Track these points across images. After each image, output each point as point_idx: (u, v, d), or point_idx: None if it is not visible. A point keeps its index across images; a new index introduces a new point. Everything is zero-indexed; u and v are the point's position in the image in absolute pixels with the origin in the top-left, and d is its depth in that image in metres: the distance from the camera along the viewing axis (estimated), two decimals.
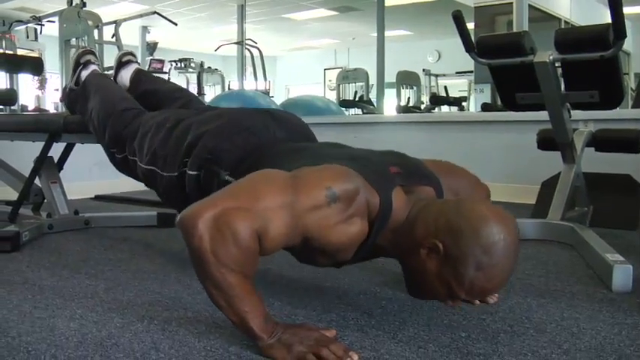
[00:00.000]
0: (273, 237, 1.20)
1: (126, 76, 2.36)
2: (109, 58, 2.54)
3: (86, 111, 2.20)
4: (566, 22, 7.33)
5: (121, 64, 2.41)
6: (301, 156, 1.45)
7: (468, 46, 2.50)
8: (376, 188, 1.29)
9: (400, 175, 1.38)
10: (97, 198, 4.13)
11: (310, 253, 1.35)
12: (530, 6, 5.72)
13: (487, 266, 1.20)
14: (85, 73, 2.36)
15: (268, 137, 1.65)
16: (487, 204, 1.29)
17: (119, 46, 6.36)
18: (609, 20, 2.12)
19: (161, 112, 1.95)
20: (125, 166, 1.99)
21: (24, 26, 6.97)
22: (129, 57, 2.43)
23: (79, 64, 2.40)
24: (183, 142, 1.70)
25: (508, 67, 2.46)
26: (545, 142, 2.78)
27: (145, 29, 8.85)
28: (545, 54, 2.33)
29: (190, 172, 1.65)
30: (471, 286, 1.22)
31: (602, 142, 2.74)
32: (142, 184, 1.92)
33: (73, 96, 2.36)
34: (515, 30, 4.69)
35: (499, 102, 3.04)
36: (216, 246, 1.16)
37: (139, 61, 2.54)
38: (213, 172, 1.59)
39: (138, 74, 2.37)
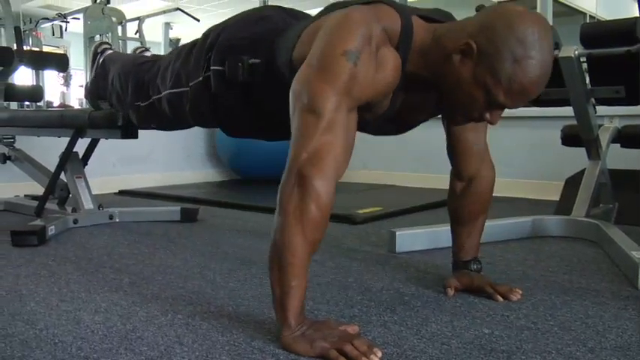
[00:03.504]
0: (348, 149, 1.27)
1: None
2: None
3: (108, 85, 2.20)
4: (591, 16, 7.23)
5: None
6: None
7: None
8: (394, 8, 1.32)
9: (421, 10, 1.41)
10: (121, 193, 4.17)
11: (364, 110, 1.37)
12: (554, 0, 5.66)
13: (524, 58, 1.20)
14: (101, 58, 2.39)
15: (284, 24, 1.65)
16: (517, 5, 1.30)
17: (142, 42, 6.42)
18: (636, 14, 2.09)
19: (177, 46, 1.95)
20: (151, 112, 1.97)
21: (50, 23, 7.07)
22: (142, 48, 2.48)
23: (96, 54, 2.43)
24: (204, 46, 1.70)
25: None
26: (570, 139, 2.75)
27: (167, 25, 8.89)
28: (571, 49, 2.30)
29: (214, 68, 1.64)
30: (509, 83, 1.22)
31: (628, 138, 2.70)
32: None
33: (94, 82, 2.38)
34: None
35: None
36: (301, 205, 1.20)
37: None
38: (237, 60, 1.59)
39: (154, 55, 2.40)
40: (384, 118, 1.45)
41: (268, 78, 1.55)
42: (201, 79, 1.69)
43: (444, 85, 1.33)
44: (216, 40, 1.67)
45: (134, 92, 2.01)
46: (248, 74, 1.58)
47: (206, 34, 1.75)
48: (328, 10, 1.44)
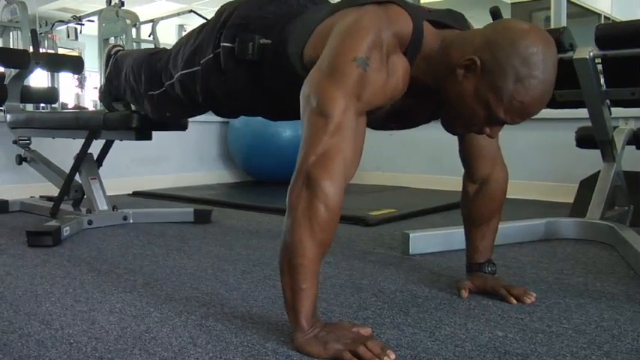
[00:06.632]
0: (357, 152, 1.27)
1: None
2: None
3: (121, 81, 2.22)
4: (606, 17, 7.18)
5: None
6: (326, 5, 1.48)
7: None
8: (407, 11, 1.32)
9: (432, 12, 1.40)
10: (135, 194, 4.19)
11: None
12: (568, 1, 5.62)
13: (526, 77, 1.21)
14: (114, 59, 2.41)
15: (299, 6, 1.66)
16: (524, 21, 1.29)
17: (156, 44, 6.46)
18: None
19: (189, 32, 1.96)
20: (165, 100, 1.98)
21: (65, 26, 7.14)
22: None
23: (110, 57, 2.45)
24: (217, 22, 1.71)
25: None
26: (585, 140, 2.73)
27: (181, 27, 8.93)
28: (585, 50, 2.29)
29: (225, 44, 1.65)
30: (511, 101, 1.23)
31: None
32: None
33: (108, 81, 2.39)
34: (553, 26, 4.61)
35: None
36: (310, 206, 1.20)
37: None
38: (248, 39, 1.59)
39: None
40: (383, 115, 1.46)
41: (277, 61, 1.56)
42: (211, 55, 1.70)
43: (445, 95, 1.35)
44: (229, 17, 1.68)
45: (147, 81, 2.03)
46: (258, 54, 1.58)
47: (220, 11, 1.76)
48: (345, 3, 1.44)
